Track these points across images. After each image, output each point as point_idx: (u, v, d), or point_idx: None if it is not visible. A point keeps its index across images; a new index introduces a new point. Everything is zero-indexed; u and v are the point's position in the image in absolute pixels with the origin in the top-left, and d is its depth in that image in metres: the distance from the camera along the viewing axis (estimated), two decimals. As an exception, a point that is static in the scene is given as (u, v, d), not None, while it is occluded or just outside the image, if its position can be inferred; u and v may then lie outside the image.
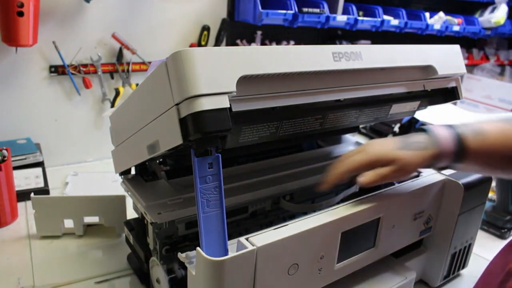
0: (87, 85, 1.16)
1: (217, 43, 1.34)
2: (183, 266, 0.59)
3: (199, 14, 1.28)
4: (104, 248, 0.82)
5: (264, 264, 0.47)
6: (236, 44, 1.41)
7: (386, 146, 0.55)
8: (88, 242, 0.83)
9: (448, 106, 0.74)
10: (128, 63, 1.20)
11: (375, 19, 1.53)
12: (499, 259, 0.53)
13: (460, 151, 0.55)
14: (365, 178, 0.53)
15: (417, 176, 0.75)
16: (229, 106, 0.43)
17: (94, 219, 0.85)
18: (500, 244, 0.86)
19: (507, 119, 0.58)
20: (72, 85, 1.15)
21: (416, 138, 0.56)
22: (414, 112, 0.75)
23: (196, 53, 0.42)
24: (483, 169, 0.59)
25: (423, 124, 0.58)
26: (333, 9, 1.42)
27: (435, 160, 0.55)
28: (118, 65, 1.19)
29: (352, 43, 1.73)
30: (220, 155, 0.46)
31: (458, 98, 0.69)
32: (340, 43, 1.67)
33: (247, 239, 0.47)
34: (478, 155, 0.55)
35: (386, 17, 1.57)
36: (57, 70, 1.12)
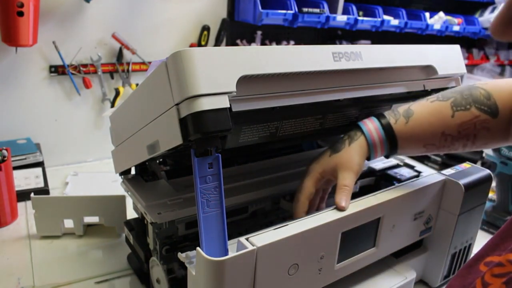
0: (87, 85, 1.16)
1: (217, 43, 1.34)
2: (183, 266, 0.59)
3: (199, 14, 1.28)
4: (104, 248, 0.82)
5: (264, 264, 0.47)
6: (236, 44, 1.41)
7: (318, 159, 0.60)
8: (88, 242, 0.83)
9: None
10: (128, 63, 1.20)
11: (375, 19, 1.53)
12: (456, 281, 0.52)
13: (390, 139, 0.58)
14: (344, 199, 0.55)
15: (417, 176, 0.75)
16: (229, 106, 0.43)
17: (94, 219, 0.85)
18: (500, 244, 0.86)
19: (427, 98, 0.60)
20: (72, 85, 1.15)
21: (341, 138, 0.60)
22: (414, 112, 0.75)
23: (196, 53, 0.42)
24: (418, 150, 0.61)
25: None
26: (333, 9, 1.42)
27: (370, 153, 0.59)
28: (118, 65, 1.19)
29: (352, 43, 1.73)
30: (220, 155, 0.46)
31: (458, 98, 0.69)
32: (340, 43, 1.67)
33: (247, 239, 0.47)
34: (407, 134, 0.58)
35: (386, 17, 1.57)
36: (57, 70, 1.12)
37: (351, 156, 0.57)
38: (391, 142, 0.58)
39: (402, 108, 0.60)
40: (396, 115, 0.58)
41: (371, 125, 0.59)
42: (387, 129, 0.58)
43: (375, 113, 0.60)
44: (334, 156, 0.58)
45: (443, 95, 0.59)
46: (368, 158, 0.59)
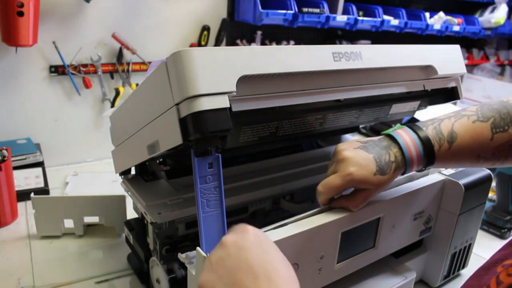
0: (87, 85, 1.16)
1: (217, 43, 1.34)
2: (183, 266, 0.59)
3: (199, 14, 1.28)
4: (104, 248, 0.82)
5: (264, 264, 0.47)
6: (236, 44, 1.41)
7: (363, 170, 0.53)
8: (88, 242, 0.83)
9: (448, 106, 0.74)
10: (128, 63, 1.20)
11: (375, 19, 1.53)
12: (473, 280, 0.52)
13: (429, 162, 0.56)
14: (355, 204, 0.54)
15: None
16: (229, 106, 0.43)
17: (94, 219, 0.85)
18: (500, 243, 0.86)
19: (467, 114, 0.58)
20: (72, 85, 1.15)
21: (387, 157, 0.54)
22: (414, 112, 0.75)
23: (196, 53, 0.42)
24: (451, 166, 0.60)
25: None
26: (333, 9, 1.42)
27: (404, 173, 0.56)
28: (118, 65, 1.19)
29: (352, 43, 1.73)
30: (220, 155, 0.46)
31: (458, 98, 0.69)
32: (340, 43, 1.66)
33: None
34: (446, 158, 0.56)
35: (386, 17, 1.57)
36: (57, 70, 1.12)
37: (387, 183, 0.55)
38: (428, 161, 0.56)
39: (445, 127, 0.56)
40: (441, 139, 0.55)
41: (414, 152, 0.55)
42: (431, 157, 0.55)
43: (414, 128, 0.56)
44: (377, 177, 0.53)
45: (483, 114, 0.56)
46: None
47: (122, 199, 0.82)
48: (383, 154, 0.54)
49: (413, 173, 0.75)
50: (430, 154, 0.55)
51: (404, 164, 0.55)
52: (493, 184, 0.79)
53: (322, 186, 0.54)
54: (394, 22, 1.59)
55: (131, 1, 1.16)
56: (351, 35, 1.69)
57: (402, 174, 0.56)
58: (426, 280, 0.75)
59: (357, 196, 0.54)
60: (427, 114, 0.73)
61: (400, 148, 0.55)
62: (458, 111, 0.59)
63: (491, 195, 0.99)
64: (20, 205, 0.93)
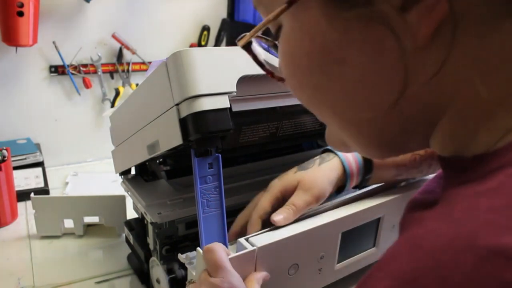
0: (87, 85, 1.16)
1: (217, 43, 1.34)
2: (183, 266, 0.59)
3: (199, 14, 1.28)
4: (104, 248, 0.82)
5: (264, 265, 0.47)
6: (236, 44, 1.40)
7: (286, 174, 0.55)
8: (88, 242, 0.83)
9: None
10: (128, 63, 1.20)
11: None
12: None
13: (365, 161, 0.56)
14: (281, 216, 0.50)
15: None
16: (229, 106, 0.43)
17: (94, 219, 0.85)
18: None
19: None
20: (72, 85, 1.15)
21: (316, 158, 0.56)
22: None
23: (196, 53, 0.42)
24: (390, 173, 0.59)
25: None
26: (333, 9, 1.42)
27: (346, 179, 0.55)
28: (118, 65, 1.19)
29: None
30: (220, 155, 0.46)
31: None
32: (340, 43, 1.66)
33: (247, 239, 0.47)
34: (383, 166, 0.56)
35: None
36: (57, 70, 1.12)
37: (317, 177, 0.52)
38: (366, 165, 0.56)
39: None
40: None
41: (353, 162, 0.55)
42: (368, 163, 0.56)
43: None
44: (299, 173, 0.53)
45: None
46: (343, 187, 0.56)
47: (122, 199, 0.82)
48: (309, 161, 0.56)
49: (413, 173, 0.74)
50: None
51: (335, 157, 0.55)
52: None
53: (248, 207, 0.55)
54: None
55: (131, 1, 1.16)
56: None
57: (344, 178, 0.55)
58: (426, 280, 0.75)
59: (287, 205, 0.52)
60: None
61: (330, 150, 0.57)
62: None
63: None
64: (20, 205, 0.93)
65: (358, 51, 0.25)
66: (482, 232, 0.19)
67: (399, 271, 0.21)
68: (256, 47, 0.34)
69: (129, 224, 0.72)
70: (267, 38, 0.35)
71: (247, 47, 0.33)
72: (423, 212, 0.25)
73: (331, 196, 0.70)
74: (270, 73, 0.34)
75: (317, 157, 0.57)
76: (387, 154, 0.32)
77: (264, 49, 0.35)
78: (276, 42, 0.31)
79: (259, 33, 0.31)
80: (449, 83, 0.25)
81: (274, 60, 0.34)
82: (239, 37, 0.32)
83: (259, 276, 0.45)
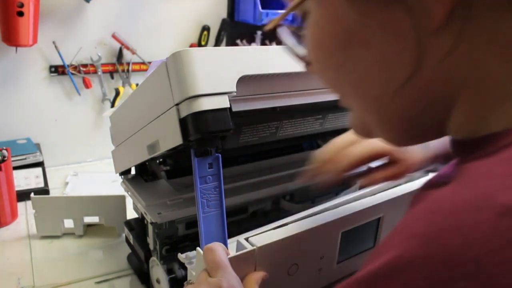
0: (87, 85, 1.16)
1: (217, 43, 1.34)
2: (183, 266, 0.59)
3: (199, 14, 1.28)
4: (104, 248, 0.82)
5: (264, 264, 0.47)
6: (236, 44, 1.40)
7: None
8: (88, 242, 0.83)
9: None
10: (128, 63, 1.20)
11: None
12: None
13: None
14: (370, 180, 0.52)
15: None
16: (229, 106, 0.43)
17: (94, 219, 0.85)
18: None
19: None
20: (72, 85, 1.15)
21: None
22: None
23: (196, 53, 0.42)
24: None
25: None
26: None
27: (431, 162, 0.55)
28: (118, 65, 1.19)
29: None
30: (220, 155, 0.46)
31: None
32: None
33: (246, 239, 0.47)
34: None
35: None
36: (57, 70, 1.12)
37: (417, 164, 0.53)
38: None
39: None
40: None
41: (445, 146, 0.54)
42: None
43: None
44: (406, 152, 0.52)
45: None
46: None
47: (122, 199, 0.82)
48: None
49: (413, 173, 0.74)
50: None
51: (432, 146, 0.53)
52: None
53: (340, 155, 0.51)
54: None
55: (131, 1, 1.16)
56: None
57: (432, 161, 0.54)
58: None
59: (383, 174, 0.52)
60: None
61: None
62: None
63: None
64: (20, 205, 0.93)
65: (378, 31, 0.27)
66: (500, 192, 0.21)
67: (420, 233, 0.22)
68: (282, 32, 0.36)
69: (129, 224, 0.72)
70: (291, 25, 0.37)
71: (274, 32, 0.35)
72: (438, 189, 0.26)
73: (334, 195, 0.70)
74: (297, 56, 0.36)
75: None
76: (407, 141, 0.34)
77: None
78: (302, 29, 0.33)
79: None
80: (464, 64, 0.26)
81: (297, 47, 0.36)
82: (267, 21, 0.35)
83: (258, 276, 0.45)
